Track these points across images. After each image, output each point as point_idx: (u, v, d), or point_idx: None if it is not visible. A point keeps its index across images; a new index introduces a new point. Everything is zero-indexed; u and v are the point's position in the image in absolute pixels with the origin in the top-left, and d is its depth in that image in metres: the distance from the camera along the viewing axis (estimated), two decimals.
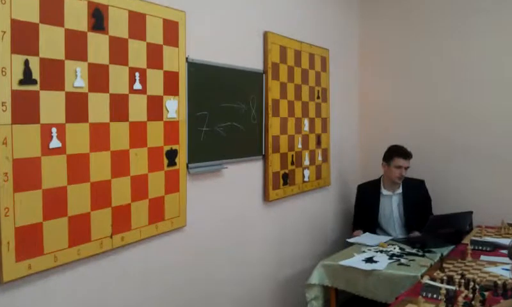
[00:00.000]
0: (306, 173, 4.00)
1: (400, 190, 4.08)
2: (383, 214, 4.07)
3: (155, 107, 2.59)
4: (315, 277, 3.30)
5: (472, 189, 4.33)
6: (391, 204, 4.07)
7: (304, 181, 3.97)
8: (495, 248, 3.25)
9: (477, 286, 2.42)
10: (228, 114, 3.14)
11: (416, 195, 4.07)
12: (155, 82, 2.59)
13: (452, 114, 4.47)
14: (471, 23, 4.37)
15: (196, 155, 2.88)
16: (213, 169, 3.04)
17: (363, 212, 4.15)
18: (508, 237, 3.49)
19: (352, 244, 3.72)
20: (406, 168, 4.03)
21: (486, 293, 2.36)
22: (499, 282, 2.49)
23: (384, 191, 4.11)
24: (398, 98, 4.74)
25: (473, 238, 3.46)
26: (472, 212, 3.65)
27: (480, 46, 4.33)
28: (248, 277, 3.43)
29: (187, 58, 2.79)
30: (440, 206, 4.12)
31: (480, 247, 3.27)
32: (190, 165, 2.84)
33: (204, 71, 2.93)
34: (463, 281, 2.53)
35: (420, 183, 4.14)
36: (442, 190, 4.34)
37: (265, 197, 3.53)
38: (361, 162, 4.94)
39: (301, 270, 3.93)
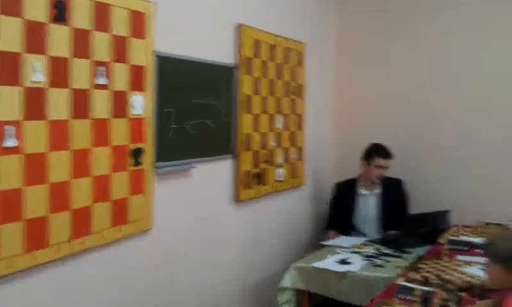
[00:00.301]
0: (280, 172, 3.98)
1: (378, 190, 4.09)
2: (359, 215, 4.07)
3: (119, 103, 2.54)
4: (288, 280, 3.29)
5: (450, 188, 4.36)
6: (368, 204, 4.08)
7: (277, 181, 3.96)
8: (471, 247, 3.28)
9: (452, 287, 2.44)
10: (197, 110, 3.11)
11: (394, 194, 4.09)
12: (120, 76, 2.54)
13: (431, 111, 4.48)
14: (451, 17, 4.38)
15: (163, 154, 2.84)
16: (181, 168, 3.01)
17: (339, 212, 4.15)
18: (484, 236, 3.53)
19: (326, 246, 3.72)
20: (386, 168, 4.04)
21: (462, 294, 2.38)
22: (475, 282, 2.51)
23: (361, 190, 4.12)
24: (376, 95, 4.74)
25: (450, 237, 3.48)
26: (449, 211, 3.68)
27: (461, 40, 4.35)
28: (218, 281, 3.41)
29: (155, 51, 2.75)
30: (418, 206, 4.13)
31: (456, 247, 3.30)
32: (157, 164, 2.80)
33: (173, 65, 2.89)
34: (438, 281, 2.55)
35: (398, 182, 4.16)
36: (420, 190, 4.35)
37: (236, 198, 3.51)
38: (337, 161, 4.94)
39: (274, 273, 3.90)
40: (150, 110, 2.73)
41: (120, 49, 2.53)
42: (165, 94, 2.84)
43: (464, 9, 4.34)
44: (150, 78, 2.72)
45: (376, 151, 4.05)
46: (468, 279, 2.63)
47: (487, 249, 2.12)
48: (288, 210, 4.21)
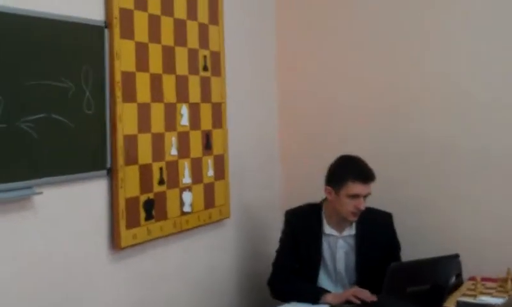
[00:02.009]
0: (187, 198, 4.00)
1: (352, 231, 4.09)
2: (324, 267, 4.11)
3: None
4: None
5: (460, 220, 4.44)
6: (337, 252, 4.10)
7: (183, 213, 3.96)
8: None
9: None
10: (41, 98, 3.08)
11: (378, 239, 4.08)
12: None
13: (429, 102, 4.55)
14: None
15: None
16: (15, 196, 2.96)
17: (295, 259, 4.12)
18: None
19: None
20: (365, 196, 4.01)
21: None
22: None
23: (327, 229, 4.13)
24: (342, 72, 4.80)
25: (462, 299, 3.55)
26: (457, 256, 3.74)
27: None
28: None
29: None
30: (411, 251, 4.17)
31: None
32: None
33: None
34: None
35: (386, 219, 4.19)
36: (412, 224, 4.43)
37: (115, 243, 3.50)
38: (284, 179, 5.00)
39: None
40: None
41: None
42: None
43: None
44: None
45: (349, 172, 3.97)
46: None
47: None
48: (204, 261, 4.21)
